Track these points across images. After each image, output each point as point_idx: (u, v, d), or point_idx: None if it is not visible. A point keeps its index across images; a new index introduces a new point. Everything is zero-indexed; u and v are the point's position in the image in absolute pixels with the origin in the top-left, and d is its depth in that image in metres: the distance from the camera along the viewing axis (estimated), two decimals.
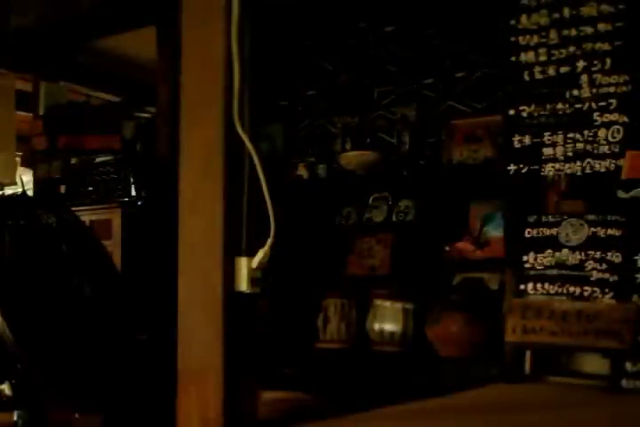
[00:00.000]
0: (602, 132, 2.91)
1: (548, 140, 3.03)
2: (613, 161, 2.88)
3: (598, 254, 2.87)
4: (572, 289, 2.90)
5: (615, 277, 2.83)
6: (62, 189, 3.87)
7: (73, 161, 3.94)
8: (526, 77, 3.07)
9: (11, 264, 1.97)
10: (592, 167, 2.93)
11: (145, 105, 4.09)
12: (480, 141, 3.89)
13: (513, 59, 3.10)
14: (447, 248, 3.87)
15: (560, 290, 2.93)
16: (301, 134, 4.53)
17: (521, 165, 3.08)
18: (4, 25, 3.77)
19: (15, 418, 2.11)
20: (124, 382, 2.37)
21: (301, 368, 3.62)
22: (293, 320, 3.93)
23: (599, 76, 2.92)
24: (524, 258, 3.02)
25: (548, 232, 3.00)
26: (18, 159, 4.56)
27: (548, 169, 3.02)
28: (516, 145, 3.09)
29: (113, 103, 4.66)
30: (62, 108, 4.25)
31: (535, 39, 3.04)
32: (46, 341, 1.98)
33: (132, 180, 3.55)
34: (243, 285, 1.93)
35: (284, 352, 3.64)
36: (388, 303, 3.81)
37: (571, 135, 2.98)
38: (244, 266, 1.93)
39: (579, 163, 2.96)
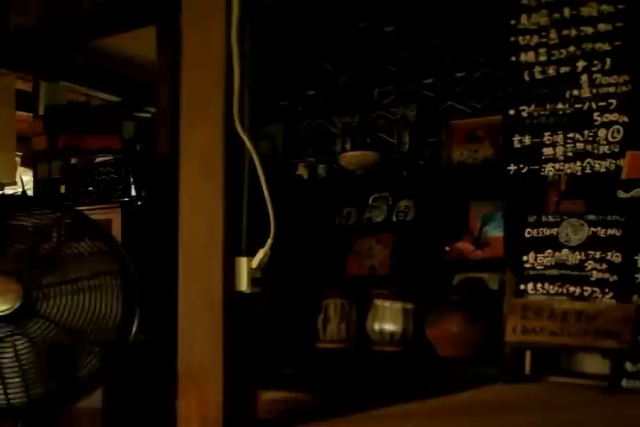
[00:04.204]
0: (602, 132, 2.91)
1: (548, 140, 3.03)
2: (613, 161, 2.88)
3: (598, 254, 2.87)
4: (572, 289, 2.90)
5: (615, 278, 2.83)
6: (62, 189, 3.87)
7: (73, 161, 3.94)
8: (526, 77, 3.07)
9: None
10: (592, 167, 2.93)
11: (145, 105, 4.09)
12: (480, 141, 3.89)
13: (513, 59, 3.09)
14: (447, 248, 3.87)
15: (560, 290, 2.93)
16: (301, 134, 4.53)
17: (521, 165, 3.08)
18: (4, 25, 3.77)
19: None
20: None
21: (301, 368, 3.62)
22: (293, 320, 3.92)
23: (599, 76, 2.92)
24: (524, 258, 3.02)
25: (547, 232, 3.00)
26: (18, 159, 4.56)
27: (548, 169, 3.02)
28: (516, 145, 3.09)
29: (113, 103, 4.66)
30: (62, 108, 4.25)
31: (535, 39, 3.04)
32: None
33: (131, 180, 3.55)
34: (243, 285, 1.93)
35: (284, 352, 3.64)
36: (387, 303, 3.81)
37: (571, 135, 2.98)
38: (244, 266, 1.93)
39: (579, 163, 2.96)
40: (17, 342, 2.04)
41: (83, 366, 2.10)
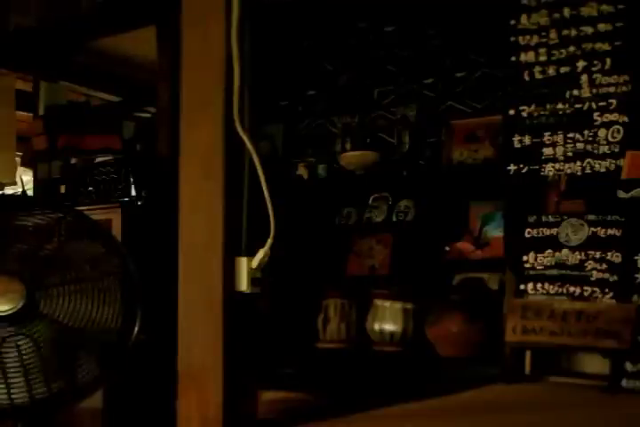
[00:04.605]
0: (602, 132, 2.91)
1: (548, 140, 3.03)
2: (613, 161, 2.88)
3: (598, 254, 2.87)
4: (572, 289, 2.91)
5: (615, 278, 2.83)
6: (62, 189, 3.87)
7: (73, 161, 3.94)
8: (526, 77, 3.07)
9: None
10: (592, 167, 2.93)
11: (145, 105, 4.09)
12: (480, 141, 3.89)
13: (513, 59, 3.10)
14: (447, 248, 3.87)
15: (560, 290, 2.93)
16: (301, 134, 4.53)
17: (521, 165, 3.08)
18: (4, 25, 3.77)
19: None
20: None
21: (301, 368, 3.62)
22: (293, 320, 3.92)
23: (599, 76, 2.92)
24: (524, 258, 3.03)
25: (548, 232, 3.00)
26: (18, 159, 4.56)
27: (548, 169, 3.02)
28: (516, 145, 3.09)
29: (113, 103, 4.66)
30: (62, 108, 4.25)
31: (535, 39, 3.04)
32: None
33: (131, 180, 3.55)
34: (243, 285, 1.93)
35: (284, 352, 3.64)
36: (387, 303, 3.81)
37: (571, 135, 2.98)
38: (244, 266, 1.93)
39: (579, 163, 2.96)
40: (20, 343, 2.04)
41: (85, 366, 2.10)
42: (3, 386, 2.02)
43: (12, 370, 2.03)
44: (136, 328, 2.14)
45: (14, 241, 2.10)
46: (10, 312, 2.03)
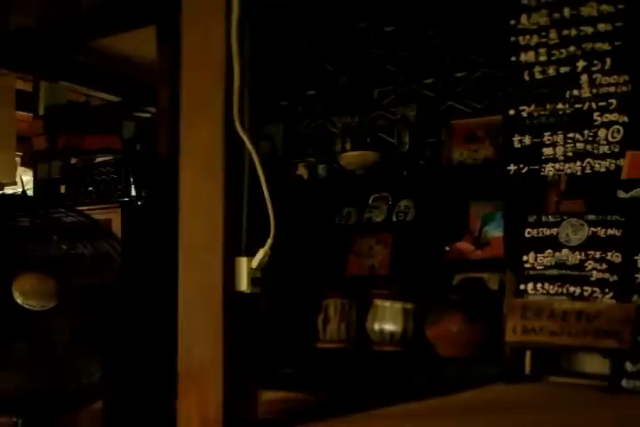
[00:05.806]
0: (602, 132, 2.91)
1: (548, 140, 3.03)
2: (613, 161, 2.88)
3: (598, 254, 2.87)
4: (572, 289, 2.90)
5: (615, 278, 2.83)
6: (62, 189, 3.87)
7: (73, 161, 3.94)
8: (526, 77, 3.07)
9: None
10: (592, 167, 2.93)
11: (145, 105, 4.09)
12: (480, 141, 3.89)
13: (513, 59, 3.10)
14: (447, 248, 3.87)
15: (560, 290, 2.93)
16: (301, 134, 4.53)
17: (521, 165, 3.08)
18: (4, 25, 3.77)
19: (15, 419, 2.12)
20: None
21: (301, 368, 3.62)
22: (293, 320, 3.92)
23: (599, 76, 2.92)
24: (524, 258, 3.02)
25: (548, 232, 3.00)
26: (18, 159, 4.57)
27: (548, 169, 3.02)
28: (516, 145, 3.09)
29: (113, 103, 4.66)
30: (62, 108, 4.25)
31: (535, 39, 3.04)
32: None
33: (131, 180, 3.55)
34: (243, 285, 1.93)
35: (284, 352, 3.63)
36: (387, 303, 3.81)
37: (571, 135, 2.98)
38: (244, 266, 1.93)
39: (579, 163, 2.96)
40: (54, 338, 2.08)
41: (99, 365, 2.14)
42: (34, 379, 2.05)
43: (46, 363, 2.06)
44: (140, 328, 2.16)
45: (49, 241, 2.14)
46: (44, 308, 2.06)
